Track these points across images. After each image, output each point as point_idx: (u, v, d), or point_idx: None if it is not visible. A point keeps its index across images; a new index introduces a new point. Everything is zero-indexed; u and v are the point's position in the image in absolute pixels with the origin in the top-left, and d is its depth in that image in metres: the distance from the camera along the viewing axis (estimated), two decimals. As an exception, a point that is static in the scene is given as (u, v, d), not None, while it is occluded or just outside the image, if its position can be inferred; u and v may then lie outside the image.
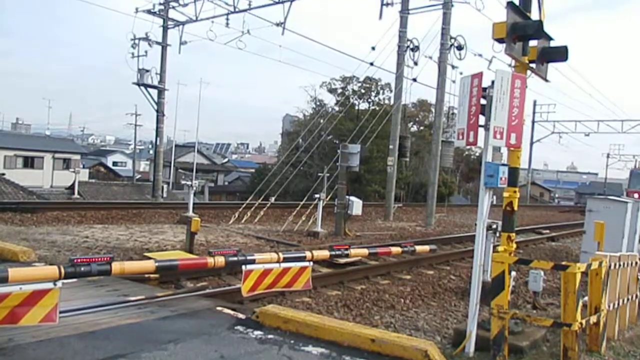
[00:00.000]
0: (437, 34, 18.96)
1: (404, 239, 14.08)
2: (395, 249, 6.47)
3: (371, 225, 18.60)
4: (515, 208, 7.26)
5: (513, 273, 7.15)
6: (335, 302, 7.07)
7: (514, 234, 7.37)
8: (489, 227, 6.53)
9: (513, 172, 6.97)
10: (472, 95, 5.99)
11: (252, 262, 4.88)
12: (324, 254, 5.52)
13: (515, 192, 7.22)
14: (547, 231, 19.13)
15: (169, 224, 14.90)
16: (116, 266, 4.07)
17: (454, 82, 19.88)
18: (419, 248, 6.73)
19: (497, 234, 7.02)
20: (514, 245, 7.44)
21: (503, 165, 6.05)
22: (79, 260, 3.86)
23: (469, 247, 11.93)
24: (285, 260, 5.06)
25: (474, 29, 25.41)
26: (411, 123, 44.73)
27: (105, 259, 4.02)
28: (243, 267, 4.83)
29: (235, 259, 4.80)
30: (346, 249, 5.67)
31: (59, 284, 3.79)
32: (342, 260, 7.63)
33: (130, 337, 4.63)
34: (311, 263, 5.25)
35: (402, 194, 27.65)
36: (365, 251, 6.12)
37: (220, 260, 4.71)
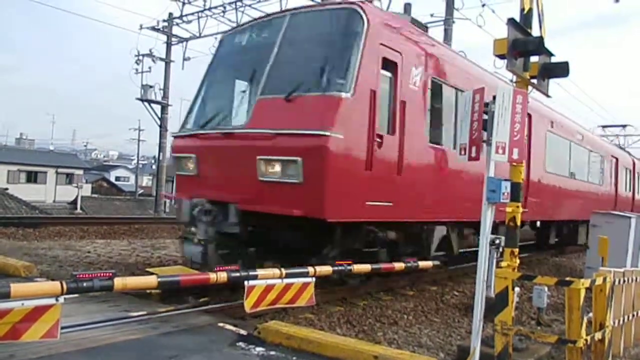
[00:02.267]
0: (438, 49, 19.02)
1: (407, 254, 13.99)
2: (399, 265, 6.45)
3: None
4: (518, 223, 7.25)
5: (517, 289, 7.11)
6: (337, 318, 7.03)
7: (517, 249, 7.35)
8: (492, 243, 6.50)
9: (516, 187, 6.97)
10: (474, 110, 6.02)
11: (255, 277, 4.86)
12: (327, 269, 5.50)
13: (518, 207, 7.21)
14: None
15: (171, 239, 14.88)
16: (118, 282, 4.06)
17: (455, 97, 19.89)
18: (422, 264, 6.70)
19: (500, 249, 6.99)
20: (518, 261, 7.42)
21: (505, 180, 6.05)
22: (81, 275, 3.86)
23: (472, 262, 11.85)
24: (288, 275, 5.05)
25: (475, 44, 25.59)
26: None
27: (107, 274, 4.01)
28: (245, 282, 4.81)
29: (237, 274, 4.78)
30: (349, 265, 5.66)
31: (61, 299, 3.78)
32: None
33: (132, 354, 4.60)
34: (314, 279, 5.24)
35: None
36: (368, 267, 6.09)
37: (222, 276, 4.70)
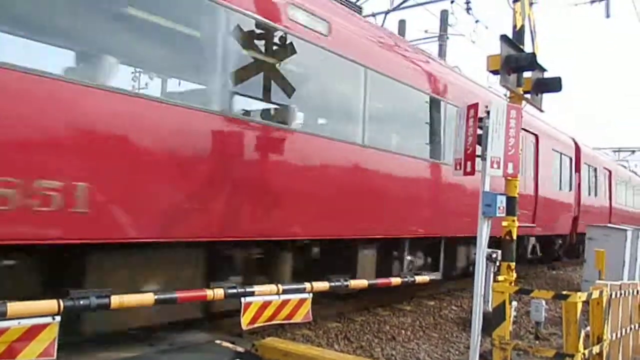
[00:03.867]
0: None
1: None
2: (395, 280, 6.46)
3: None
4: (514, 237, 7.29)
5: (514, 303, 7.12)
6: (335, 334, 7.00)
7: (513, 263, 7.38)
8: (488, 257, 6.53)
9: (511, 201, 7.02)
10: (468, 125, 6.09)
11: (252, 294, 4.86)
12: (324, 285, 5.50)
13: (514, 221, 7.26)
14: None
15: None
16: (115, 299, 4.06)
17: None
18: (418, 278, 6.72)
19: (497, 263, 7.03)
20: (514, 275, 7.44)
21: (501, 194, 6.09)
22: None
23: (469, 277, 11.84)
24: (285, 292, 5.05)
25: (469, 59, 25.88)
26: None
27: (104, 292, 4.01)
28: (242, 299, 4.81)
29: (234, 291, 4.78)
30: (346, 281, 5.66)
31: (58, 318, 3.77)
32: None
33: (128, 372, 4.57)
34: (311, 295, 5.24)
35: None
36: (365, 282, 6.10)
37: (219, 293, 4.69)
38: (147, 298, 4.33)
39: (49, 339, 3.78)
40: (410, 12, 21.43)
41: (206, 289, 4.72)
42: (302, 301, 5.12)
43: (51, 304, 3.75)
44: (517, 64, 7.04)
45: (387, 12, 16.17)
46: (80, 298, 3.87)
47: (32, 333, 3.72)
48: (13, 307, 3.60)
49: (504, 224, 7.26)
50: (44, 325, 3.75)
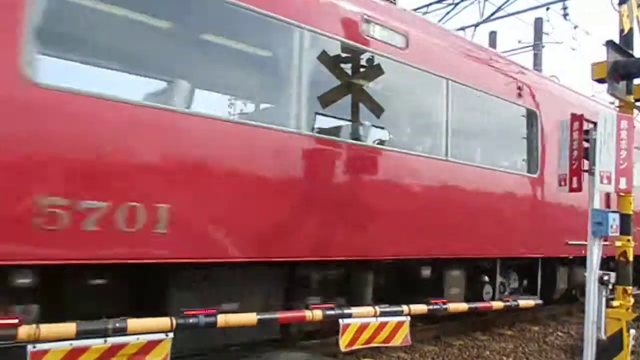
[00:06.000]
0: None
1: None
2: (497, 304, 6.16)
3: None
4: (630, 258, 6.70)
5: (632, 331, 6.53)
6: (432, 358, 6.79)
7: (630, 287, 6.77)
8: (600, 280, 6.05)
9: (625, 219, 6.49)
10: (572, 138, 5.77)
11: (349, 316, 4.87)
12: (422, 308, 5.38)
13: (629, 240, 6.68)
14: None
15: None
16: (221, 318, 4.27)
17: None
18: (522, 302, 6.35)
19: (610, 287, 6.49)
20: (632, 300, 6.81)
21: (613, 212, 5.67)
22: (188, 312, 4.10)
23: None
24: (382, 314, 5.00)
25: (569, 67, 24.51)
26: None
27: (211, 311, 4.22)
28: (340, 321, 4.83)
29: (332, 312, 4.82)
30: (444, 303, 5.51)
31: (170, 334, 4.02)
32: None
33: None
34: (409, 317, 5.15)
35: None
36: (465, 306, 5.88)
37: (317, 314, 4.76)
38: (250, 318, 4.48)
39: (162, 355, 4.03)
40: (502, 22, 20.82)
41: (305, 310, 4.80)
42: (400, 324, 5.04)
43: (165, 322, 4.00)
44: (625, 70, 6.56)
45: (476, 25, 15.78)
46: (190, 316, 4.10)
47: (147, 348, 3.99)
48: (132, 323, 3.89)
49: (618, 244, 6.72)
50: (158, 341, 4.01)
